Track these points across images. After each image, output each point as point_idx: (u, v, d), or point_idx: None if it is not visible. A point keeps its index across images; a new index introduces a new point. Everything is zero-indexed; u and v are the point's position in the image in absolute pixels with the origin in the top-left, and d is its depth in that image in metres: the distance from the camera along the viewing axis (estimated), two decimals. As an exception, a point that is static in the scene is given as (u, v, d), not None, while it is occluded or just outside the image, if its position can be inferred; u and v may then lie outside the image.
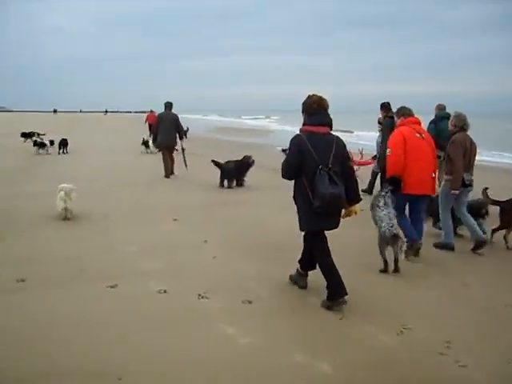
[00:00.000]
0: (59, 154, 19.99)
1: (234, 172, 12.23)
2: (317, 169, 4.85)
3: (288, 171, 5.13)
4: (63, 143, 20.51)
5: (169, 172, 13.69)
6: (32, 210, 9.29)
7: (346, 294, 4.98)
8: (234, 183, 12.30)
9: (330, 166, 4.89)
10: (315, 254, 5.24)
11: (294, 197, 5.27)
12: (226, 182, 12.25)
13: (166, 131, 13.52)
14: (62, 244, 7.24)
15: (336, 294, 4.98)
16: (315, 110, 5.05)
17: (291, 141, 5.11)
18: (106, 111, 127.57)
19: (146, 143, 21.09)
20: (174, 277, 5.86)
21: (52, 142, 20.52)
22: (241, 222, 8.63)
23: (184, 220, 8.75)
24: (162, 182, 13.10)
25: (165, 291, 5.39)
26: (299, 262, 5.56)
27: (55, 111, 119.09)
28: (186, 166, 13.96)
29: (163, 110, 14.01)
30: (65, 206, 8.47)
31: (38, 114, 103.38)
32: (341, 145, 5.08)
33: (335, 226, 5.14)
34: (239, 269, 6.20)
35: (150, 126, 31.43)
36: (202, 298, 5.25)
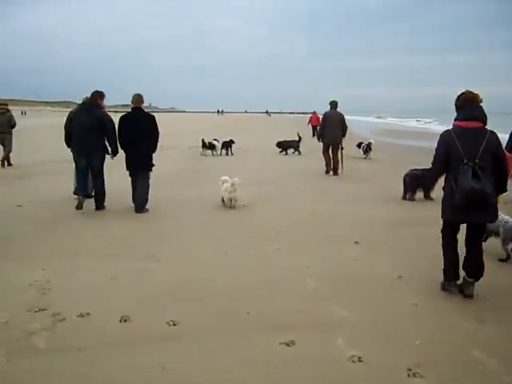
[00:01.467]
0: (220, 154, 19.78)
1: (421, 181, 10.37)
2: (461, 163, 4.93)
3: (435, 165, 5.33)
4: (228, 144, 20.23)
5: (329, 168, 14.36)
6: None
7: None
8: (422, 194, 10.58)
9: (477, 160, 4.90)
10: (442, 242, 5.38)
11: (443, 188, 5.33)
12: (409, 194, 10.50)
13: (331, 129, 13.96)
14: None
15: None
16: (464, 104, 5.10)
17: (440, 136, 5.25)
18: (267, 112, 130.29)
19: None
20: (369, 336, 4.33)
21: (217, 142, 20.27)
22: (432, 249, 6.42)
23: (367, 242, 7.23)
24: (333, 187, 11.78)
25: (359, 359, 3.91)
26: None
27: (220, 112, 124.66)
28: (342, 166, 14.29)
29: (329, 110, 14.33)
30: (230, 196, 9.30)
31: (204, 114, 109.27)
32: (493, 140, 5.00)
33: (484, 219, 5.14)
34: (456, 327, 4.50)
35: (313, 128, 30.39)
36: (413, 375, 3.69)
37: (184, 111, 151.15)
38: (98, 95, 9.13)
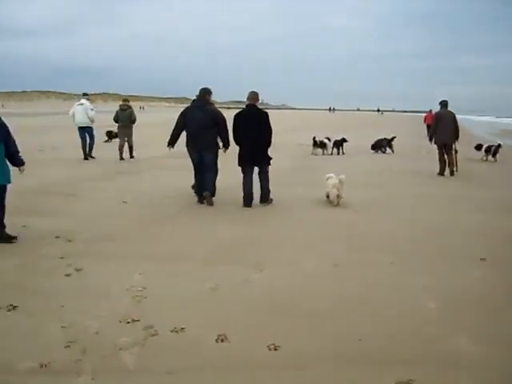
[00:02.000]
0: (331, 153, 18.99)
1: None
2: None
3: None
4: (340, 143, 19.38)
5: (443, 170, 13.74)
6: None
7: None
8: None
9: None
10: None
11: None
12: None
13: (443, 129, 13.55)
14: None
15: None
16: None
17: None
18: (379, 110, 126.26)
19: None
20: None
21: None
22: None
23: (496, 260, 6.19)
24: (454, 193, 10.59)
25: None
26: None
27: (332, 109, 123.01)
28: (456, 169, 13.80)
29: (440, 109, 13.92)
30: (336, 192, 9.24)
31: (315, 111, 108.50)
32: None
33: None
34: None
35: (428, 127, 28.63)
36: None
37: (294, 108, 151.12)
38: (205, 92, 9.34)
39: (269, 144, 9.25)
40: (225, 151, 9.40)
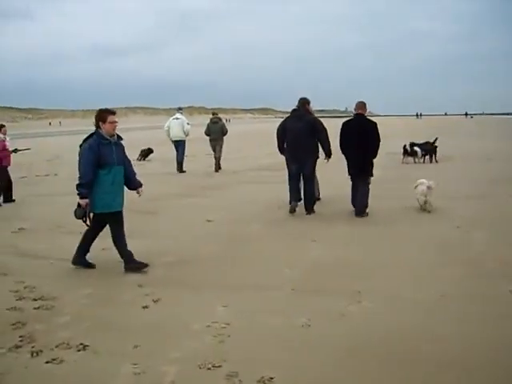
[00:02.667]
0: (423, 161, 17.77)
1: None
2: None
3: None
4: (431, 150, 18.11)
5: None
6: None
7: None
8: None
9: None
10: None
11: None
12: None
13: None
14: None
15: None
16: None
17: None
18: (467, 114, 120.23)
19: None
20: None
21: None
22: None
23: None
24: None
25: None
26: None
27: (419, 115, 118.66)
28: None
29: None
30: (425, 199, 9.05)
31: (401, 118, 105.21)
32: None
33: None
34: None
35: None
36: None
37: (378, 115, 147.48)
38: (305, 101, 9.38)
39: (375, 154, 9.08)
40: (327, 160, 9.34)
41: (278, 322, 4.53)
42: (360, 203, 9.03)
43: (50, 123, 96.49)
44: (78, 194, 5.87)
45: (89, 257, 6.31)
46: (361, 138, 8.89)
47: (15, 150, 12.26)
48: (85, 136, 6.19)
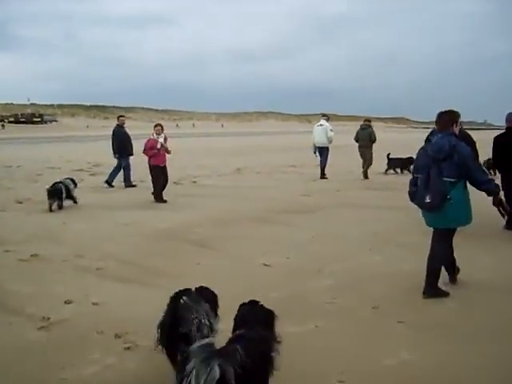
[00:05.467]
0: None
1: None
2: None
3: None
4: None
5: None
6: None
7: None
8: None
9: None
10: None
11: None
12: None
13: None
14: None
15: None
16: None
17: None
18: None
19: None
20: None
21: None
22: None
23: None
24: None
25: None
26: None
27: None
28: None
29: None
30: None
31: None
32: None
33: None
34: None
35: None
36: None
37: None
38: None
39: None
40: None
41: None
42: None
43: (177, 125, 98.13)
44: (490, 190, 5.54)
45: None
46: None
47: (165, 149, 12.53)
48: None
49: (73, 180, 12.26)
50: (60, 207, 11.49)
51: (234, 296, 4.36)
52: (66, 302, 5.76)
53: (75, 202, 12.01)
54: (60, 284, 6.39)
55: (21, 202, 12.67)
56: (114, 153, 15.41)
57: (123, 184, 15.33)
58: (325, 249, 7.82)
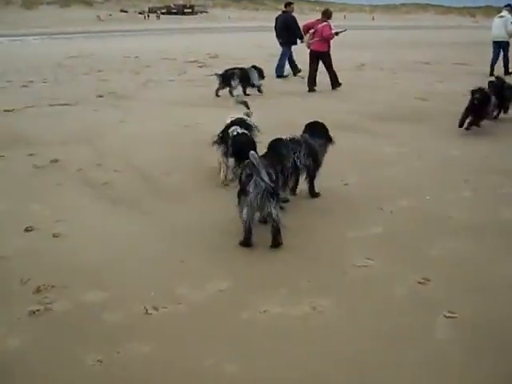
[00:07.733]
0: None
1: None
2: None
3: None
4: None
5: None
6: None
7: None
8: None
9: None
10: None
11: None
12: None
13: None
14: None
15: None
16: None
17: None
18: None
19: None
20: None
21: None
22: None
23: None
24: None
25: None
26: None
27: None
28: None
29: None
30: None
31: None
32: None
33: None
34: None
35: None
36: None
37: None
38: None
39: None
40: None
41: None
42: None
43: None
44: None
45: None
46: None
47: (336, 33, 12.22)
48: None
49: (258, 69, 11.98)
50: (230, 93, 11.47)
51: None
52: (26, 230, 4.58)
53: (259, 90, 11.99)
54: (40, 203, 5.25)
55: (101, 96, 11.84)
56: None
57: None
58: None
